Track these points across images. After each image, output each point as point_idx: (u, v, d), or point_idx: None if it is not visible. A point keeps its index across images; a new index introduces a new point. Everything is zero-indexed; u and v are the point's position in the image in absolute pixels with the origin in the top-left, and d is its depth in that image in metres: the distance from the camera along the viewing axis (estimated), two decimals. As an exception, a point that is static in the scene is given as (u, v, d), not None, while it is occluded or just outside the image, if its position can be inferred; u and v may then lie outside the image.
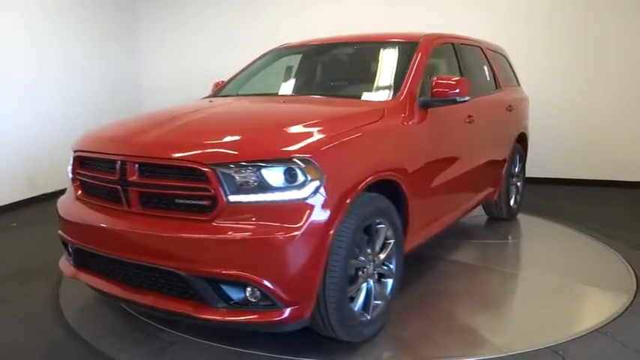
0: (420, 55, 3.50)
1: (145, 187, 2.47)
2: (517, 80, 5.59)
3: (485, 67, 4.71)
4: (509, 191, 4.97)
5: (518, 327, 3.00)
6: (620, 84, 6.48)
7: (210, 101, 3.46)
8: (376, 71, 3.58)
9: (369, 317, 2.73)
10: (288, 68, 4.07)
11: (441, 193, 3.55)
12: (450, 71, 4.04)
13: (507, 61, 5.49)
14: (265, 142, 2.42)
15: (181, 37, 7.91)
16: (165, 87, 7.73)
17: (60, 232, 2.88)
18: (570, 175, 6.73)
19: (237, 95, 3.80)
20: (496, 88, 4.80)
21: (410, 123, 3.13)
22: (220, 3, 7.68)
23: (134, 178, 2.48)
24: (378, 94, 3.28)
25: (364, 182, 2.56)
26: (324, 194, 2.34)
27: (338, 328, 2.55)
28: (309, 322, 2.53)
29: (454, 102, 3.32)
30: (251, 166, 2.29)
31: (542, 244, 4.60)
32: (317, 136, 2.48)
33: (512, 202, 5.13)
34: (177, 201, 2.40)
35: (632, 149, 6.54)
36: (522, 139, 5.28)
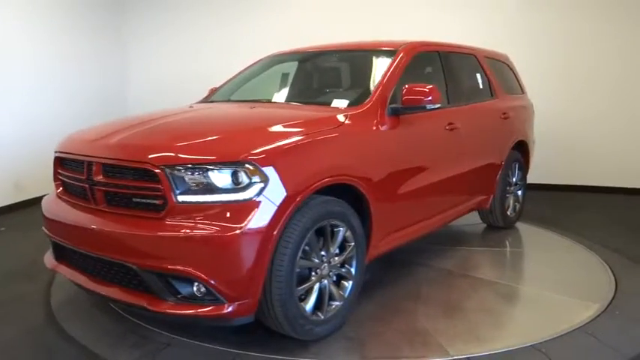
0: (395, 63, 3.58)
1: (108, 187, 2.66)
2: (522, 88, 5.56)
3: (479, 75, 4.72)
4: (504, 199, 4.94)
5: (483, 330, 3.01)
6: (603, 92, 6.58)
7: (191, 107, 3.64)
8: (351, 78, 3.68)
9: (322, 317, 2.83)
10: (283, 75, 4.21)
11: (415, 200, 3.60)
12: (432, 79, 4.09)
13: (511, 69, 5.47)
14: (213, 146, 2.57)
15: (169, 43, 7.92)
16: (152, 92, 7.78)
17: (43, 227, 3.11)
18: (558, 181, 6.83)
19: (225, 101, 3.97)
20: (491, 95, 4.80)
21: (378, 129, 3.21)
22: (209, 11, 7.70)
23: (99, 177, 2.68)
24: (348, 101, 3.36)
25: (313, 186, 2.65)
26: (267, 196, 2.46)
27: (285, 325, 2.66)
28: (263, 319, 2.66)
29: (424, 109, 3.39)
30: (199, 168, 2.44)
31: (529, 252, 4.58)
32: (264, 141, 2.60)
33: (509, 210, 5.09)
34: (134, 200, 2.58)
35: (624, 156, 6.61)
36: (522, 147, 5.24)
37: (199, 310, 2.47)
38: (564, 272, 3.96)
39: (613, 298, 3.42)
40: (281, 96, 3.91)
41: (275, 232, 2.49)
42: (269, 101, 3.78)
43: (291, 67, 4.12)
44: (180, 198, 2.44)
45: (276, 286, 2.56)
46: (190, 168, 2.45)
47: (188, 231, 2.40)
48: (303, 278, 2.76)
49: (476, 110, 4.42)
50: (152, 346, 2.81)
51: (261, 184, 2.46)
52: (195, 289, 2.46)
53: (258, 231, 2.43)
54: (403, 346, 2.82)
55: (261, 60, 4.37)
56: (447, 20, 6.85)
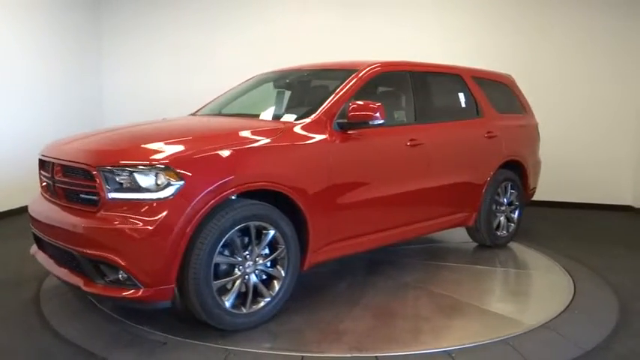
0: (350, 82, 3.83)
1: (64, 184, 3.13)
2: (523, 108, 5.54)
3: (462, 95, 4.81)
4: (491, 218, 4.94)
5: (404, 334, 3.15)
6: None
7: (164, 119, 4.08)
8: (312, 96, 3.95)
9: (244, 311, 3.11)
10: (262, 92, 4.56)
11: (364, 212, 3.78)
12: (397, 97, 4.28)
13: (511, 89, 5.48)
14: (140, 152, 2.96)
15: (144, 59, 8.02)
16: (127, 107, 7.90)
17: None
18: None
19: (205, 114, 4.34)
20: (477, 114, 4.87)
21: (321, 143, 3.46)
22: (188, 20, 7.84)
23: (59, 176, 3.16)
24: (293, 116, 3.64)
25: (230, 190, 2.96)
26: (182, 196, 2.81)
27: (202, 314, 2.97)
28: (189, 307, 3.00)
29: (369, 125, 3.61)
30: (126, 170, 2.84)
31: (502, 269, 4.59)
32: (187, 149, 2.96)
33: (500, 230, 5.08)
34: (81, 196, 3.02)
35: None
36: (516, 167, 5.22)
37: (122, 294, 2.84)
38: (527, 283, 4.20)
39: (572, 299, 3.76)
40: (246, 109, 4.25)
41: (188, 229, 2.82)
42: (233, 115, 4.12)
43: (269, 86, 4.47)
44: (111, 195, 2.85)
45: (192, 277, 2.88)
46: (119, 170, 2.85)
47: (114, 223, 2.80)
48: (225, 272, 3.06)
49: (450, 128, 4.53)
50: (148, 345, 2.94)
51: (177, 186, 2.81)
52: (120, 274, 2.84)
53: (170, 227, 2.77)
54: (313, 342, 3.04)
55: (250, 79, 4.76)
56: (457, 42, 7.13)
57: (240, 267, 3.10)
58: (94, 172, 2.88)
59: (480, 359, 2.91)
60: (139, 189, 2.83)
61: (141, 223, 2.76)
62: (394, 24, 7.32)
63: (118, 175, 2.85)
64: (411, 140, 4.06)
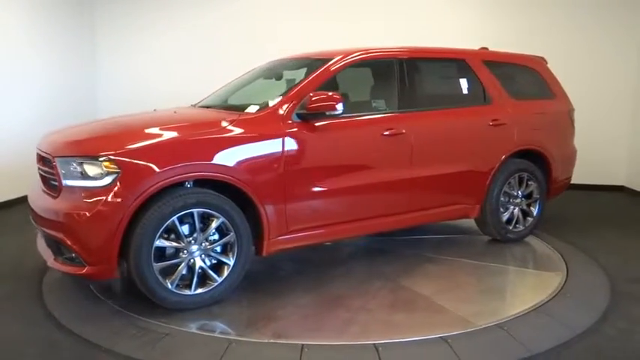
0: (317, 72, 3.85)
1: (43, 172, 3.54)
2: (552, 93, 5.11)
3: (464, 81, 4.58)
4: (499, 211, 4.67)
5: (337, 323, 3.17)
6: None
7: (155, 110, 4.37)
8: (286, 87, 4.00)
9: (190, 292, 3.32)
10: (253, 82, 4.64)
11: (332, 202, 3.81)
12: (379, 85, 4.21)
13: (536, 73, 5.08)
14: (90, 144, 3.27)
15: (138, 54, 8.01)
16: (121, 97, 7.89)
17: None
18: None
19: (193, 107, 4.52)
20: (484, 101, 4.61)
21: (277, 133, 3.54)
22: (182, 13, 7.79)
23: (40, 164, 3.59)
24: (256, 107, 3.73)
25: (170, 179, 3.16)
26: (119, 185, 3.07)
27: (147, 293, 3.23)
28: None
29: (330, 116, 3.63)
30: (77, 160, 3.17)
31: (493, 265, 4.31)
32: (131, 140, 3.21)
33: (513, 224, 4.78)
34: (51, 182, 3.41)
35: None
36: (536, 157, 4.86)
37: (72, 270, 3.19)
38: (512, 279, 4.12)
39: (565, 282, 3.86)
40: (222, 101, 4.39)
41: (125, 214, 3.08)
42: (208, 107, 4.26)
43: (260, 75, 4.60)
44: (65, 182, 3.20)
45: (133, 259, 3.15)
46: (72, 160, 3.19)
47: (65, 207, 3.15)
48: (171, 255, 3.29)
49: (441, 116, 4.34)
50: (152, 336, 3.01)
51: (114, 175, 3.08)
52: (72, 253, 3.19)
53: (107, 212, 3.05)
54: (242, 326, 3.21)
55: (251, 70, 4.91)
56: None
57: (185, 251, 3.31)
58: (54, 162, 3.25)
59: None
60: (87, 177, 3.14)
61: (83, 208, 3.07)
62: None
63: (71, 164, 3.19)
64: (389, 129, 3.97)
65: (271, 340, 2.98)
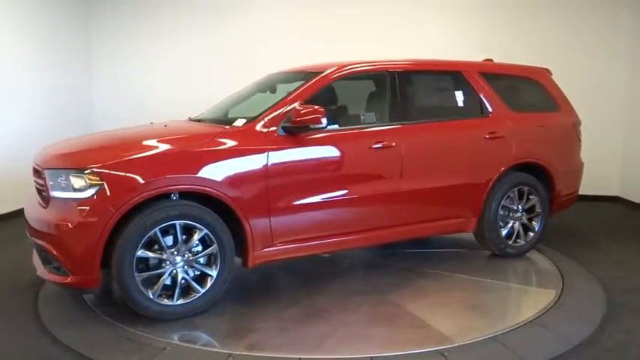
0: (305, 86, 3.88)
1: (36, 184, 3.67)
2: (556, 105, 5.01)
3: (459, 93, 4.54)
4: (497, 225, 4.59)
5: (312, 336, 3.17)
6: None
7: (152, 123, 4.47)
8: (273, 100, 4.03)
9: (173, 303, 3.37)
10: (249, 96, 4.71)
11: (316, 216, 3.82)
12: (368, 98, 4.22)
13: (539, 84, 4.99)
14: (75, 157, 3.38)
15: (135, 67, 7.90)
16: (118, 108, 7.80)
17: None
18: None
19: (188, 120, 4.55)
20: (481, 113, 4.55)
21: (261, 147, 3.58)
22: (179, 24, 7.73)
23: (35, 176, 3.72)
24: (243, 121, 3.77)
25: (151, 192, 3.23)
26: (101, 197, 3.15)
27: (129, 301, 3.29)
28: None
29: (316, 129, 3.66)
30: (63, 173, 3.28)
31: (488, 281, 4.21)
32: (115, 154, 3.30)
33: (513, 239, 4.69)
34: (42, 193, 3.53)
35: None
36: (538, 170, 4.75)
37: (58, 279, 3.29)
38: (504, 295, 4.02)
39: (560, 294, 3.86)
40: (215, 114, 4.43)
41: (107, 226, 3.16)
42: (200, 120, 4.34)
43: (256, 89, 4.65)
44: (53, 193, 3.31)
45: (115, 269, 3.22)
46: (59, 172, 3.30)
47: (52, 218, 3.25)
48: (154, 265, 3.35)
49: (434, 129, 4.30)
50: (149, 350, 2.98)
51: (97, 187, 3.17)
52: (58, 262, 3.29)
53: (89, 223, 3.14)
54: (221, 337, 3.25)
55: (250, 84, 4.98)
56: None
57: (168, 262, 3.37)
58: (43, 174, 3.37)
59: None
60: (73, 189, 3.24)
61: (67, 219, 3.17)
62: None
63: (59, 176, 3.30)
64: (378, 142, 3.97)
65: (244, 353, 2.99)
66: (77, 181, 3.23)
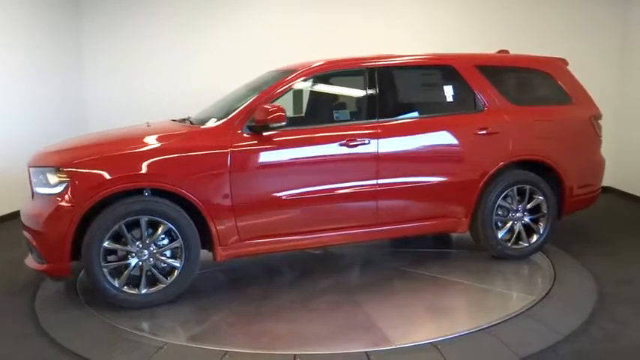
0: (272, 85, 3.95)
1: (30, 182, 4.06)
2: (569, 98, 4.65)
3: (449, 88, 4.35)
4: (492, 225, 4.35)
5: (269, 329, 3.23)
6: None
7: (147, 123, 4.70)
8: (245, 99, 4.10)
9: (140, 292, 3.59)
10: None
11: (285, 213, 3.87)
12: (342, 96, 4.19)
13: (550, 76, 4.66)
14: (51, 156, 3.68)
15: (128, 60, 7.74)
16: (112, 109, 7.67)
17: None
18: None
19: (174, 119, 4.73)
20: (474, 108, 4.35)
21: (226, 145, 3.69)
22: (171, 24, 7.60)
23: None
24: (214, 120, 3.91)
25: (115, 187, 3.46)
26: (69, 192, 3.44)
27: (96, 289, 3.56)
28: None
29: (271, 128, 3.73)
30: (42, 170, 3.61)
31: (468, 283, 4.04)
32: (79, 152, 3.61)
33: (510, 240, 4.42)
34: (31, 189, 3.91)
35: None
36: (544, 168, 4.46)
37: (36, 266, 3.63)
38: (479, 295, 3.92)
39: (552, 285, 3.88)
40: (199, 115, 4.53)
41: (74, 218, 3.44)
42: (183, 120, 4.45)
43: (247, 88, 4.74)
44: (36, 189, 3.66)
45: (84, 258, 3.51)
46: (39, 170, 3.63)
47: (33, 211, 3.60)
48: (121, 257, 3.60)
49: (414, 125, 4.18)
50: (147, 350, 3.02)
51: (65, 184, 3.46)
52: (36, 251, 3.63)
53: (58, 216, 3.44)
54: (172, 330, 3.37)
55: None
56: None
57: (133, 254, 3.59)
58: (29, 172, 3.73)
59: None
60: (49, 185, 3.57)
61: (43, 212, 3.50)
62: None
63: (39, 174, 3.64)
64: (351, 139, 3.94)
65: (189, 344, 3.12)
66: (52, 178, 3.55)
